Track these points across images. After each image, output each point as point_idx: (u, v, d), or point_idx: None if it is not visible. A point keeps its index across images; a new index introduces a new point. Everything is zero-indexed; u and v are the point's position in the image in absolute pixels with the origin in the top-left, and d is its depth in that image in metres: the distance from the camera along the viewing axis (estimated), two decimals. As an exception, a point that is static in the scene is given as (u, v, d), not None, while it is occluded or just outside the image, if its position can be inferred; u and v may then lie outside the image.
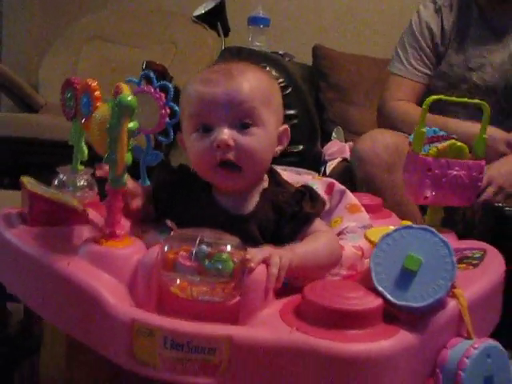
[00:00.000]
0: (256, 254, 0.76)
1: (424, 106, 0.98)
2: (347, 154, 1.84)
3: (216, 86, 0.87)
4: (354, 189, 1.16)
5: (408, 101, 1.74)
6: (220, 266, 0.74)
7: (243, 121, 0.87)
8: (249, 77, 0.89)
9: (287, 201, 0.89)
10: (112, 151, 0.80)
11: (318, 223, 0.89)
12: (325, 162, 1.93)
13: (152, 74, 1.21)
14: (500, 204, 1.26)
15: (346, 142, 2.03)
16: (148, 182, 1.23)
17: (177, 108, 1.19)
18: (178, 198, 0.94)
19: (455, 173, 0.98)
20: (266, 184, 0.93)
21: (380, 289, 0.73)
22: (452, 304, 0.75)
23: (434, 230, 0.75)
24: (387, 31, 2.51)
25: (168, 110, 1.13)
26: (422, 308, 0.71)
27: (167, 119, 1.14)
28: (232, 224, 0.86)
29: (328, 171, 1.85)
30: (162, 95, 1.18)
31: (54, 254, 0.80)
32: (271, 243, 0.82)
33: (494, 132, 1.48)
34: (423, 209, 1.71)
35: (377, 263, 0.74)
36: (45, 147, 1.91)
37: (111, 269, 0.79)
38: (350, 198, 1.12)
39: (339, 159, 1.90)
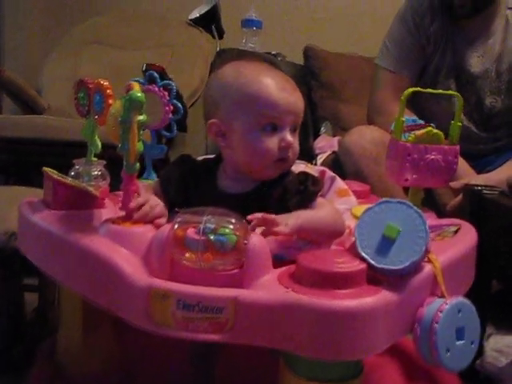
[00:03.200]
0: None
1: (402, 98, 1.09)
2: (336, 148, 1.93)
3: (290, 94, 1.00)
4: (343, 179, 1.26)
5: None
6: (224, 239, 0.84)
7: (296, 125, 1.02)
8: (297, 88, 1.04)
9: (292, 181, 1.01)
10: (125, 141, 0.90)
11: (320, 199, 1.00)
12: (315, 155, 2.03)
13: (156, 74, 1.33)
14: (479, 188, 1.36)
15: (334, 136, 2.12)
16: (154, 175, 1.34)
17: (180, 105, 1.30)
18: (184, 188, 1.05)
19: (432, 157, 1.09)
20: None
21: (363, 254, 0.83)
22: (427, 268, 0.86)
23: (409, 203, 0.86)
24: (376, 31, 2.56)
25: (171, 107, 1.26)
26: (400, 270, 0.82)
27: (170, 115, 1.26)
28: (234, 203, 0.96)
29: (318, 163, 1.95)
30: (166, 93, 1.29)
31: (78, 233, 0.91)
32: None
33: (492, 176, 1.53)
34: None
35: (360, 233, 0.85)
36: (50, 147, 2.00)
37: (129, 245, 0.89)
38: (340, 183, 1.23)
39: (329, 152, 2.00)
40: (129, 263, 0.86)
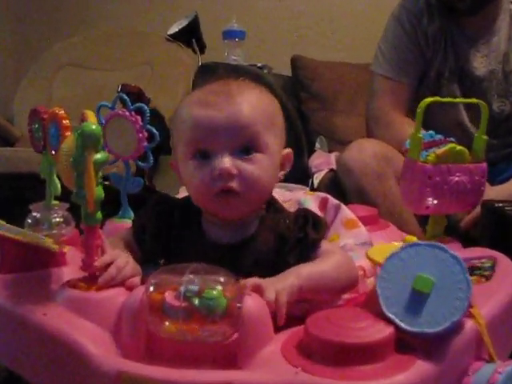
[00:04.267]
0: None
1: (419, 110, 0.92)
2: (334, 165, 1.79)
3: (215, 109, 0.80)
4: (342, 200, 1.10)
5: (404, 110, 1.67)
6: (211, 304, 0.67)
7: (246, 147, 0.80)
8: (250, 98, 0.82)
9: (289, 227, 0.83)
10: (80, 187, 0.73)
11: (324, 246, 0.82)
12: (312, 175, 1.87)
13: (125, 96, 1.15)
14: (500, 204, 1.20)
15: (330, 151, 1.97)
16: (131, 213, 1.17)
17: (155, 131, 1.13)
18: (163, 237, 0.87)
19: (457, 179, 0.92)
20: (263, 211, 0.87)
21: (390, 315, 0.66)
22: (469, 325, 0.69)
23: (442, 245, 0.69)
24: (366, 35, 2.47)
25: (146, 134, 1.07)
26: (438, 333, 0.65)
27: (145, 143, 1.08)
28: (223, 255, 0.80)
29: (316, 183, 1.79)
30: (138, 118, 1.12)
31: (29, 304, 0.73)
32: (270, 275, 0.76)
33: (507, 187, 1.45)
34: (422, 216, 1.68)
35: (384, 287, 0.67)
36: (21, 180, 1.84)
37: (93, 315, 0.72)
38: (346, 212, 1.05)
39: (326, 170, 1.84)
40: (93, 341, 0.69)
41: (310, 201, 1.07)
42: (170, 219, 0.87)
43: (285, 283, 0.72)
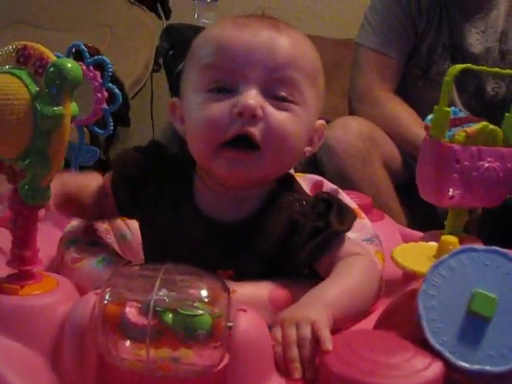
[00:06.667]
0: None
1: (447, 78, 0.74)
2: (312, 144, 1.64)
3: (255, 33, 0.61)
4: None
5: (391, 87, 1.53)
6: (191, 323, 0.48)
7: (280, 91, 0.61)
8: (298, 37, 0.64)
9: (306, 212, 0.63)
10: (40, 149, 0.52)
11: (348, 243, 0.64)
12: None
13: (83, 47, 0.96)
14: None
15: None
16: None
17: (117, 90, 0.94)
18: (147, 193, 0.67)
19: (487, 164, 0.75)
20: (274, 187, 0.66)
21: (438, 346, 0.48)
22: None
23: (506, 252, 0.51)
24: (346, 8, 2.36)
25: (105, 93, 0.92)
26: (503, 373, 0.47)
27: (105, 105, 0.91)
28: (215, 238, 0.62)
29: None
30: (98, 74, 0.94)
31: None
32: (273, 270, 0.61)
33: None
34: (409, 206, 1.53)
35: (429, 307, 0.49)
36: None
37: (22, 332, 0.53)
38: (346, 200, 0.87)
39: (304, 150, 1.69)
40: (19, 370, 0.49)
41: (300, 184, 0.89)
42: (157, 174, 0.67)
43: (319, 312, 0.53)
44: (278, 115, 0.60)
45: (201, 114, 0.60)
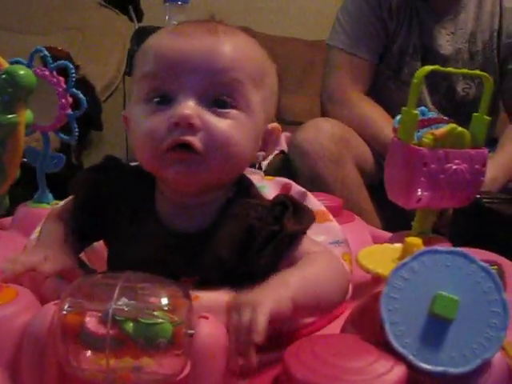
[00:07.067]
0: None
1: (415, 80, 0.74)
2: (284, 146, 1.63)
3: (190, 39, 0.60)
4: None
5: (363, 89, 1.53)
6: (151, 331, 0.47)
7: (221, 97, 0.60)
8: (239, 39, 0.63)
9: (262, 217, 0.62)
10: None
11: (307, 243, 0.63)
12: (257, 157, 1.70)
13: (46, 52, 0.95)
14: (477, 196, 1.06)
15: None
16: (50, 196, 0.95)
17: (81, 96, 0.93)
18: (107, 211, 0.65)
19: (455, 167, 0.75)
20: (230, 194, 0.66)
21: (400, 349, 0.48)
22: (497, 359, 0.51)
23: (467, 253, 0.51)
24: (319, 10, 2.37)
25: (70, 99, 0.90)
26: (464, 374, 0.47)
27: (69, 110, 0.90)
28: (176, 247, 0.61)
29: (263, 167, 1.62)
30: (61, 79, 0.92)
31: None
32: (236, 276, 0.60)
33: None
34: (383, 206, 1.53)
35: (392, 310, 0.49)
36: None
37: None
38: (314, 203, 0.87)
39: (276, 152, 1.68)
40: None
41: (268, 187, 0.88)
42: (115, 189, 0.65)
43: (270, 296, 0.51)
44: (218, 123, 0.59)
45: (141, 127, 0.60)
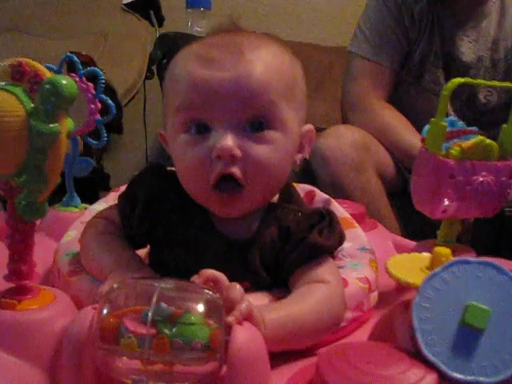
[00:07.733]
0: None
1: (445, 92, 0.74)
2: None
3: (218, 68, 0.61)
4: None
5: (385, 96, 1.54)
6: (189, 334, 0.48)
7: (256, 120, 0.62)
8: (265, 56, 0.63)
9: (299, 221, 0.65)
10: (36, 165, 0.52)
11: (325, 266, 0.64)
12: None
13: (76, 59, 0.97)
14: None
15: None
16: (78, 200, 0.97)
17: (110, 102, 0.94)
18: (161, 217, 0.67)
19: (481, 179, 0.76)
20: (274, 199, 0.69)
21: (432, 358, 0.49)
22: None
23: (498, 264, 0.52)
24: (337, 16, 2.36)
25: (99, 105, 0.92)
26: (496, 384, 0.48)
27: (98, 116, 0.92)
28: (231, 253, 0.64)
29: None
30: (91, 85, 0.94)
31: None
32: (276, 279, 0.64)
33: None
34: (403, 213, 1.53)
35: (423, 319, 0.50)
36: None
37: (20, 346, 0.52)
38: (338, 209, 0.88)
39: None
40: None
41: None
42: (169, 196, 0.67)
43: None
44: (257, 151, 0.61)
45: (183, 160, 0.63)
